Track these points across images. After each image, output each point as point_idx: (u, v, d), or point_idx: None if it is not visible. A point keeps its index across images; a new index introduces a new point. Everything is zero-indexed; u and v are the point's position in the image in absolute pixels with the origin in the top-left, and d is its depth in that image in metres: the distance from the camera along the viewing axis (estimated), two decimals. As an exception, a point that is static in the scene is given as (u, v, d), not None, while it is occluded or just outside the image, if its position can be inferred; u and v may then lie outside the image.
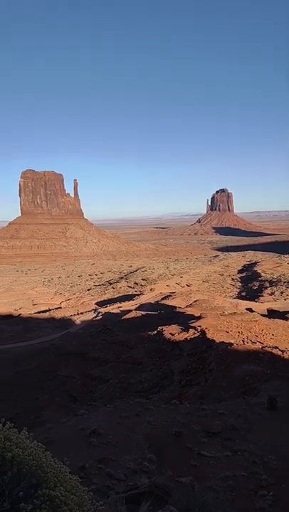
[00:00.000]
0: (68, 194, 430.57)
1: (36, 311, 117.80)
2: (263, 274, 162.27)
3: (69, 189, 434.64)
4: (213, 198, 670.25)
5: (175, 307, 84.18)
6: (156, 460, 16.64)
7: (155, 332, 55.17)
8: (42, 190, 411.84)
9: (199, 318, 56.49)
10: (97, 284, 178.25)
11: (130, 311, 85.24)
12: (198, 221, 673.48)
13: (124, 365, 46.22)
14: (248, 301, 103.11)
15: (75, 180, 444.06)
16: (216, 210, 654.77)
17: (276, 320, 56.72)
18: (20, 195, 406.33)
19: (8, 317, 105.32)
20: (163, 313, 77.27)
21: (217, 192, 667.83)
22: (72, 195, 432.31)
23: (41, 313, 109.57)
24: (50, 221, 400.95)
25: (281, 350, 37.88)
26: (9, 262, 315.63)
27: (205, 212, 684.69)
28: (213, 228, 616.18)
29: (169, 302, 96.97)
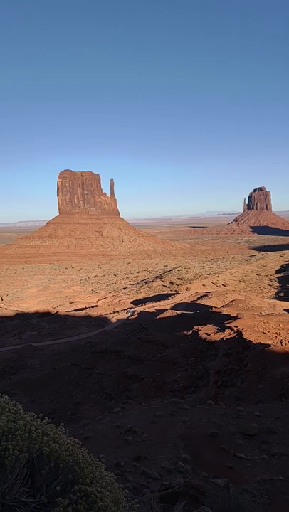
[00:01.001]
0: (105, 194, 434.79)
1: (73, 309, 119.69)
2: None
3: (105, 189, 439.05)
4: (250, 197, 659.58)
5: (211, 307, 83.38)
6: (191, 460, 16.55)
7: (191, 332, 54.85)
8: (79, 190, 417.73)
9: (236, 318, 55.70)
10: (132, 283, 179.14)
11: (165, 310, 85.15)
12: (235, 220, 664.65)
13: (159, 364, 46.18)
14: (286, 302, 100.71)
15: (111, 180, 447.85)
16: (253, 208, 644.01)
17: (316, 321, 55.09)
18: (58, 195, 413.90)
19: (46, 314, 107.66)
20: (199, 312, 76.72)
21: (254, 190, 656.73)
22: (109, 195, 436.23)
23: (78, 312, 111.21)
24: (87, 220, 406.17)
25: None
26: (47, 261, 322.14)
27: (242, 211, 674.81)
28: (250, 227, 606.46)
29: (205, 302, 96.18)
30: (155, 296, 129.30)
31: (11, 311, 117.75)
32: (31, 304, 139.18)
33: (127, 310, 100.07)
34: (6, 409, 4.35)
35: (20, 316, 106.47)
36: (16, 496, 3.73)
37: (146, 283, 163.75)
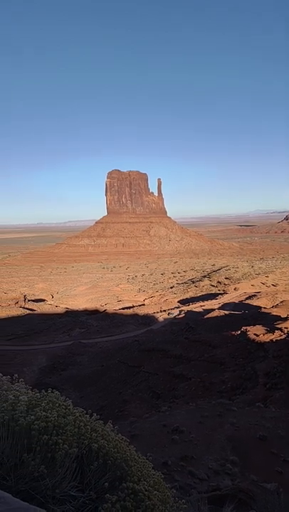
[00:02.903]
0: (152, 193, 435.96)
1: (120, 307, 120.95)
2: None
3: (153, 188, 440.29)
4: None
5: (260, 307, 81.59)
6: (239, 462, 16.29)
7: (239, 332, 53.96)
8: (127, 189, 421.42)
9: (286, 319, 54.19)
10: (179, 282, 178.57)
11: (213, 310, 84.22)
12: (286, 218, 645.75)
13: (206, 364, 45.74)
14: None
15: (158, 179, 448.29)
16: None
17: None
18: (106, 195, 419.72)
19: (95, 312, 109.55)
20: (247, 313, 75.26)
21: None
22: (156, 194, 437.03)
23: (125, 310, 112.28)
24: (134, 220, 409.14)
25: None
26: (96, 260, 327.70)
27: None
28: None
29: (254, 302, 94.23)
30: (202, 295, 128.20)
31: (61, 308, 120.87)
32: (80, 302, 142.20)
33: (168, 312, 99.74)
34: (57, 405, 4.44)
35: (70, 314, 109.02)
36: (65, 490, 3.80)
37: (193, 282, 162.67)
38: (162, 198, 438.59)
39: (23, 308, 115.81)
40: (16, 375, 4.92)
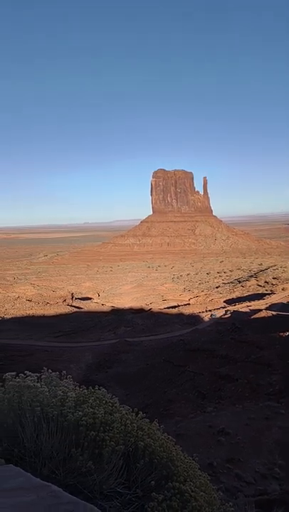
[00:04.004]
0: (198, 192, 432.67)
1: (166, 306, 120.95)
2: None
3: (199, 187, 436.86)
4: None
5: (309, 308, 79.07)
6: (287, 467, 15.87)
7: (287, 333, 52.59)
8: (172, 188, 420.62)
9: None
10: (225, 281, 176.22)
11: (260, 310, 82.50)
12: None
13: (253, 366, 44.88)
14: None
15: (204, 177, 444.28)
16: None
17: None
18: (151, 194, 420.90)
19: (140, 311, 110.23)
20: (296, 314, 73.11)
21: None
22: (202, 193, 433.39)
23: (170, 309, 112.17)
24: (179, 219, 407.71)
25: None
26: (141, 259, 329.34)
27: None
28: None
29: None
30: (249, 295, 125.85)
31: (107, 306, 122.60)
32: (126, 301, 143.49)
33: (211, 314, 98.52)
34: (104, 402, 4.50)
35: (116, 312, 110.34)
36: (112, 486, 3.85)
37: (239, 282, 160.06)
38: (208, 197, 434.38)
39: (71, 306, 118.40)
40: (64, 372, 5.04)
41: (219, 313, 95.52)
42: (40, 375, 4.71)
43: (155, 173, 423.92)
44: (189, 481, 4.26)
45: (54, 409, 4.05)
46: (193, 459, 5.07)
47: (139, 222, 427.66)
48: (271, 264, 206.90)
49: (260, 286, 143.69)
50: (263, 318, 71.96)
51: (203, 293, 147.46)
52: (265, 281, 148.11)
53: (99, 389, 4.78)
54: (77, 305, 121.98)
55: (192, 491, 4.02)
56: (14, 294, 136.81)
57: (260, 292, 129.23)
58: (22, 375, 4.53)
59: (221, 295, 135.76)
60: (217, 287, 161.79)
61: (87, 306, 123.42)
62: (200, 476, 4.66)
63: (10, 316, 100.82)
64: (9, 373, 4.51)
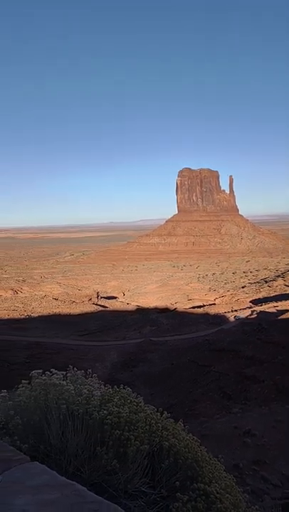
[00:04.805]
0: (224, 191, 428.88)
1: (191, 306, 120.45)
2: None
3: (224, 185, 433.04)
4: None
5: None
6: (315, 471, 15.57)
7: (315, 335, 51.59)
8: (198, 187, 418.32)
9: None
10: (251, 281, 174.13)
11: (287, 310, 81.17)
12: None
13: (280, 367, 44.19)
14: None
15: (230, 176, 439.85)
16: None
17: None
18: (177, 194, 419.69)
19: (165, 310, 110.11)
20: None
21: None
22: (228, 192, 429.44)
23: (196, 309, 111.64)
24: (205, 218, 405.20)
25: None
26: (166, 258, 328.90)
27: None
28: None
29: None
30: (276, 295, 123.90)
31: (132, 306, 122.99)
32: (151, 300, 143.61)
33: (235, 316, 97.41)
34: (128, 401, 4.51)
35: (141, 311, 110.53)
36: (137, 486, 3.85)
37: (266, 282, 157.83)
38: (234, 196, 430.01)
39: (96, 305, 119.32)
40: (90, 370, 5.08)
41: (245, 314, 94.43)
42: (66, 373, 4.76)
43: (180, 172, 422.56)
44: (215, 482, 4.22)
45: (79, 407, 4.08)
46: (218, 460, 5.03)
47: (164, 221, 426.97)
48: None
49: (287, 286, 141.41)
50: (290, 318, 70.74)
51: (228, 293, 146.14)
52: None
53: (124, 388, 4.80)
54: (102, 304, 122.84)
55: (217, 493, 3.98)
56: (41, 292, 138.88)
57: (287, 292, 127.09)
58: (48, 373, 4.59)
59: (247, 295, 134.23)
60: (243, 287, 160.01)
61: (112, 305, 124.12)
62: (225, 477, 4.62)
63: (37, 315, 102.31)
64: (36, 371, 4.58)
